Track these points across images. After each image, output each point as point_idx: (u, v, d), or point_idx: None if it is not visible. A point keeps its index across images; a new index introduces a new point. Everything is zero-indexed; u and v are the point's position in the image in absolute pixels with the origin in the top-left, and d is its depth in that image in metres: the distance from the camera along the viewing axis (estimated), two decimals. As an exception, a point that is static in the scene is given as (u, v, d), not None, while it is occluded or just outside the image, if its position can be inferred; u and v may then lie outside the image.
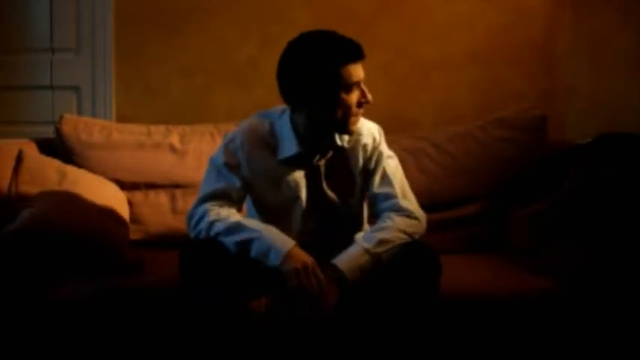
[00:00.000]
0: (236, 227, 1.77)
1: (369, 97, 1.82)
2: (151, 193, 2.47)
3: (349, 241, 1.83)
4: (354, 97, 1.80)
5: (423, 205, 1.96)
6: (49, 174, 2.23)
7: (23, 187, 2.17)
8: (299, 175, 1.91)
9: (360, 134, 1.94)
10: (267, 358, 1.76)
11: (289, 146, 1.88)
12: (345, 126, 1.83)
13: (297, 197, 1.90)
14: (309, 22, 2.82)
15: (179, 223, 2.41)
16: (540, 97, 2.90)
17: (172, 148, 2.52)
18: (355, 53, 1.78)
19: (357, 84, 1.80)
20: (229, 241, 1.77)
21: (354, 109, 1.81)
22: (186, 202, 2.44)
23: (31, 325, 1.89)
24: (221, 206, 1.85)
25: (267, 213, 1.93)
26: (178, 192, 2.48)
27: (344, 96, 1.79)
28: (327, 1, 2.91)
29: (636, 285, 1.92)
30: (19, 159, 2.23)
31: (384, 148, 1.98)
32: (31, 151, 2.37)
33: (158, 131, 2.56)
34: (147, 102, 2.94)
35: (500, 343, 1.94)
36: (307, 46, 1.80)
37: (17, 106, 3.07)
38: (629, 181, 2.09)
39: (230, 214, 1.83)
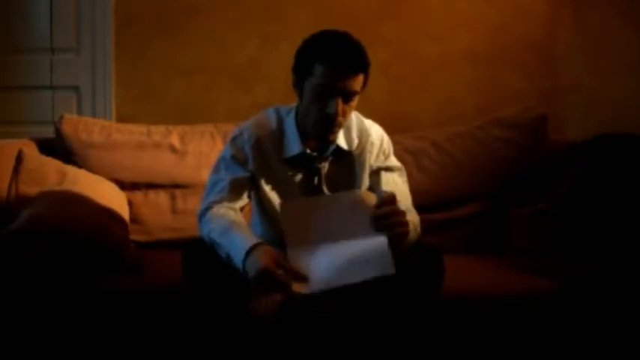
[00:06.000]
0: (218, 239, 1.75)
1: (339, 114, 1.75)
2: (151, 193, 2.47)
3: None
4: (330, 102, 1.74)
5: (423, 205, 1.96)
6: (49, 174, 2.23)
7: (23, 187, 2.17)
8: (297, 179, 1.90)
9: (369, 134, 1.94)
10: (267, 359, 1.76)
11: (293, 145, 1.87)
12: (319, 131, 1.81)
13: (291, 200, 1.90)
14: (309, 22, 2.85)
15: (179, 223, 2.42)
16: (540, 97, 2.90)
17: (172, 148, 2.52)
18: (341, 62, 1.72)
19: (335, 92, 1.74)
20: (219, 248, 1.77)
21: (325, 113, 1.76)
22: (186, 202, 2.45)
23: (30, 325, 1.88)
24: (222, 201, 1.84)
25: (267, 212, 1.94)
26: (178, 192, 2.48)
27: (316, 93, 1.75)
28: (327, 1, 2.91)
29: (636, 284, 1.92)
30: (19, 159, 2.23)
31: (393, 159, 1.98)
32: (31, 151, 2.36)
33: (158, 131, 2.56)
34: (147, 102, 2.94)
35: (501, 343, 1.94)
36: (310, 38, 1.80)
37: (17, 106, 3.07)
38: (629, 180, 2.09)
39: (224, 215, 1.81)
